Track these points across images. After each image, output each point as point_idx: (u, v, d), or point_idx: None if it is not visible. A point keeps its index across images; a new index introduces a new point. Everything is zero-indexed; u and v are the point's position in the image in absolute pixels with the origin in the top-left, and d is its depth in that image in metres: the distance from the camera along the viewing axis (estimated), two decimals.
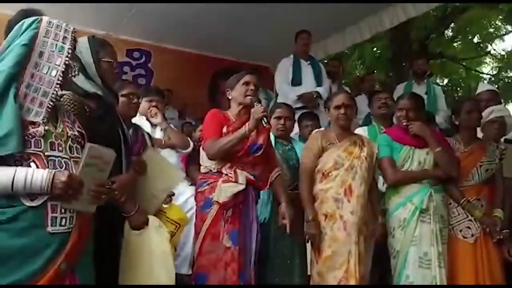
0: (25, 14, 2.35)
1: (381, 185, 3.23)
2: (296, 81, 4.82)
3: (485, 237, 3.00)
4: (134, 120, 2.94)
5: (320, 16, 5.46)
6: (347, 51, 8.27)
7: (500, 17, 10.10)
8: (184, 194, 3.46)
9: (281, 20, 5.51)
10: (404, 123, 3.05)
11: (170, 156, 3.51)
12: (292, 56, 5.01)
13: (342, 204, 2.83)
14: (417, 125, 3.00)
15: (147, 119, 3.59)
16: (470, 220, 3.03)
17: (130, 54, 6.62)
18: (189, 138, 3.73)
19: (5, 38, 2.36)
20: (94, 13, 5.51)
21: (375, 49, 10.10)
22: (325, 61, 6.51)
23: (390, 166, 2.99)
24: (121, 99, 2.53)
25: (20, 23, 1.73)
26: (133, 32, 6.33)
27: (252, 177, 2.67)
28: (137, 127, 2.84)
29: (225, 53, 7.17)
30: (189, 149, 3.69)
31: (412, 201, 2.94)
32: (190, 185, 3.66)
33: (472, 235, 3.01)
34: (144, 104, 3.51)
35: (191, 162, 3.81)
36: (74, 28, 1.80)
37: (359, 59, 10.32)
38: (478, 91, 4.02)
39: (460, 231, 3.03)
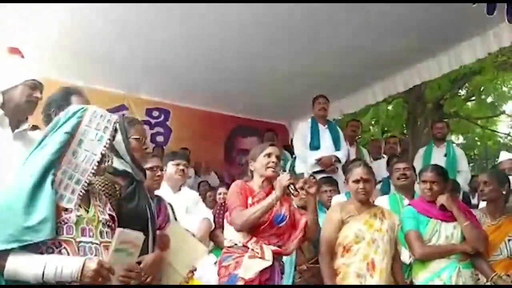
0: (67, 91, 2.45)
1: (406, 258, 3.15)
2: (314, 145, 4.84)
3: None
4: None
5: (335, 76, 5.59)
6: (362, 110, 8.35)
7: None
8: (203, 265, 3.38)
9: (297, 80, 5.65)
10: (429, 196, 3.01)
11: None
12: (310, 120, 5.07)
13: (365, 280, 2.74)
14: (445, 198, 2.96)
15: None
16: None
17: (149, 113, 6.76)
18: (209, 219, 3.71)
19: (42, 113, 2.45)
20: (115, 74, 5.68)
21: (390, 107, 10.19)
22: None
23: (417, 240, 2.93)
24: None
25: (66, 110, 1.78)
26: (152, 91, 6.51)
27: (278, 248, 2.62)
28: (160, 199, 2.84)
29: (241, 111, 7.30)
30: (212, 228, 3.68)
31: (440, 277, 2.86)
32: (210, 252, 3.60)
33: None
34: (171, 167, 3.54)
35: (215, 225, 3.78)
36: (117, 119, 1.84)
37: (373, 118, 10.40)
38: (500, 159, 4.00)
39: None
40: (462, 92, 10.71)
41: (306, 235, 2.75)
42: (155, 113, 6.83)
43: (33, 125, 2.45)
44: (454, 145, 6.03)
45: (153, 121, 6.81)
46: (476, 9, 3.27)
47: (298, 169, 4.80)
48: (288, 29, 4.54)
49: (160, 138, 6.89)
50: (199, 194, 5.75)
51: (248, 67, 5.39)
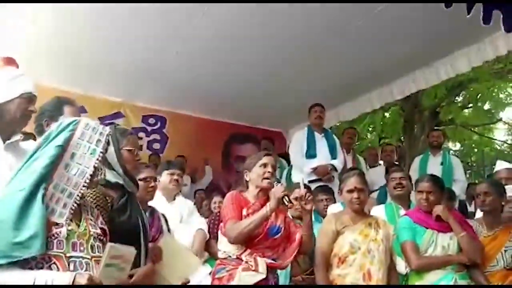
0: (59, 101, 2.43)
1: (402, 268, 3.13)
2: (311, 153, 4.83)
3: None
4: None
5: (333, 84, 5.58)
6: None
7: (511, 84, 10.24)
8: (198, 274, 3.35)
9: (294, 87, 5.64)
10: (425, 206, 3.00)
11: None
12: (306, 128, 5.06)
13: None
14: (441, 209, 2.95)
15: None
16: None
17: (146, 120, 6.74)
18: (204, 230, 3.70)
19: (35, 122, 2.44)
20: (111, 81, 5.67)
21: (387, 115, 10.21)
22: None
23: (414, 251, 2.90)
24: (138, 183, 2.52)
25: (59, 122, 1.77)
26: (149, 99, 6.49)
27: (273, 261, 2.59)
28: (153, 210, 2.82)
29: (238, 118, 7.28)
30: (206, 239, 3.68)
31: None
32: (204, 262, 3.57)
33: None
34: (165, 176, 3.52)
35: (210, 236, 3.75)
36: (110, 131, 1.83)
37: (370, 125, 10.42)
38: (496, 169, 3.98)
39: None
40: (459, 99, 10.73)
41: (301, 250, 2.72)
42: (152, 120, 6.80)
43: (26, 133, 2.43)
44: (451, 152, 6.03)
45: (149, 128, 6.79)
46: (472, 17, 3.26)
47: (295, 178, 4.78)
48: (285, 37, 4.53)
49: (156, 145, 6.86)
50: (195, 202, 5.75)
51: (245, 75, 5.38)
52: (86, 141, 1.74)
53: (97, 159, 1.74)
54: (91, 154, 1.73)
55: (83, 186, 1.69)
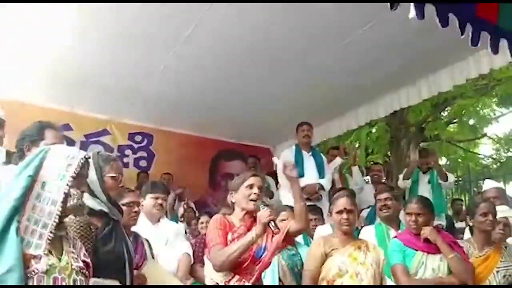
0: (40, 125, 2.37)
1: None
2: (298, 172, 4.76)
3: None
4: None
5: (319, 100, 5.59)
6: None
7: (495, 100, 10.41)
8: None
9: (282, 103, 5.63)
10: (414, 228, 2.98)
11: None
12: (294, 147, 5.04)
13: None
14: (429, 231, 2.92)
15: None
16: None
17: (132, 138, 6.67)
18: (189, 254, 3.60)
19: (16, 147, 2.38)
20: (97, 98, 5.61)
21: (373, 130, 10.25)
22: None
23: (404, 274, 2.86)
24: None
25: (34, 152, 1.71)
26: (135, 116, 6.43)
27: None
28: (136, 236, 2.74)
29: (225, 135, 7.24)
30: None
31: None
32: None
33: None
34: (149, 200, 3.43)
35: (195, 260, 3.66)
36: (85, 154, 1.78)
37: (357, 141, 10.44)
38: (484, 188, 3.98)
39: None
40: (444, 115, 10.83)
41: (297, 225, 2.59)
42: (138, 138, 6.73)
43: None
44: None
45: (136, 145, 6.71)
46: (456, 37, 3.29)
47: (283, 197, 4.71)
48: (272, 54, 4.54)
49: (143, 163, 6.77)
50: (184, 219, 5.65)
51: (233, 92, 5.36)
52: (56, 168, 1.69)
53: (67, 185, 1.68)
54: (61, 180, 1.68)
55: (57, 215, 1.64)
